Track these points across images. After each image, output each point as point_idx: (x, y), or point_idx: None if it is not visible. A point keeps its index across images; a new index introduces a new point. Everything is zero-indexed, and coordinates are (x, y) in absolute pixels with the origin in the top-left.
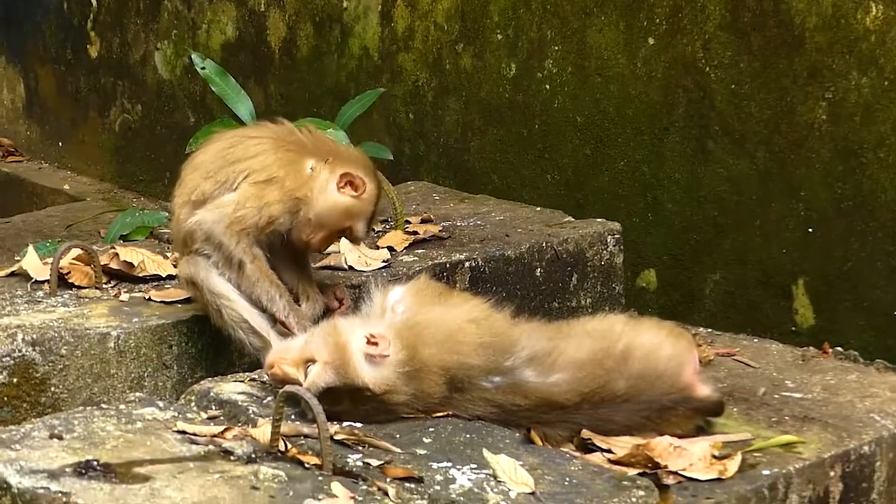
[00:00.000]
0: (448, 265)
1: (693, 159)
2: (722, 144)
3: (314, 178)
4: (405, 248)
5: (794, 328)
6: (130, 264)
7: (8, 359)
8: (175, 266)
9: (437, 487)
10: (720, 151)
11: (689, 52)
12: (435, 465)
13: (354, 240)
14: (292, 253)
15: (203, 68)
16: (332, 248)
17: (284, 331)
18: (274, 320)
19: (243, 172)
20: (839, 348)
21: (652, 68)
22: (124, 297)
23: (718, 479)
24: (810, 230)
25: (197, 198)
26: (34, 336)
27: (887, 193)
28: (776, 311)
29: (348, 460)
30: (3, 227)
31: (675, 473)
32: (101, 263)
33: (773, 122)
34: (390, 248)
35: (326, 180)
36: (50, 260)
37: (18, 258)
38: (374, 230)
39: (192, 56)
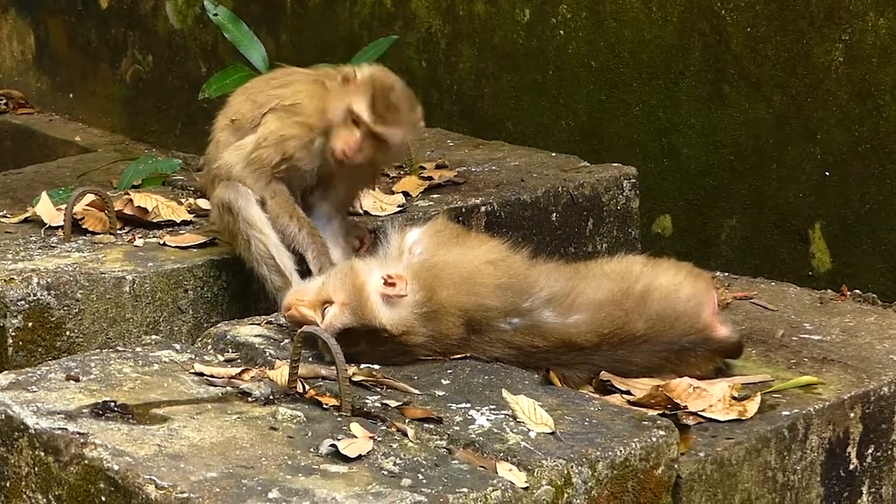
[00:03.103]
0: (464, 209)
1: (709, 103)
2: (738, 88)
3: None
4: (420, 192)
5: (810, 272)
6: (144, 210)
7: (23, 303)
8: (192, 203)
9: (457, 428)
10: (736, 95)
11: None
12: (454, 406)
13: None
14: (327, 203)
15: (216, 14)
16: None
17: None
18: (301, 261)
19: (276, 98)
20: (857, 291)
21: (667, 12)
22: (139, 242)
23: (738, 420)
24: (827, 174)
25: (235, 117)
26: (49, 280)
27: None
28: (793, 255)
29: (366, 401)
30: (14, 177)
31: (695, 414)
32: (115, 209)
33: (790, 65)
34: (405, 194)
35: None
36: (63, 206)
37: (31, 206)
38: (388, 176)
39: (205, 2)
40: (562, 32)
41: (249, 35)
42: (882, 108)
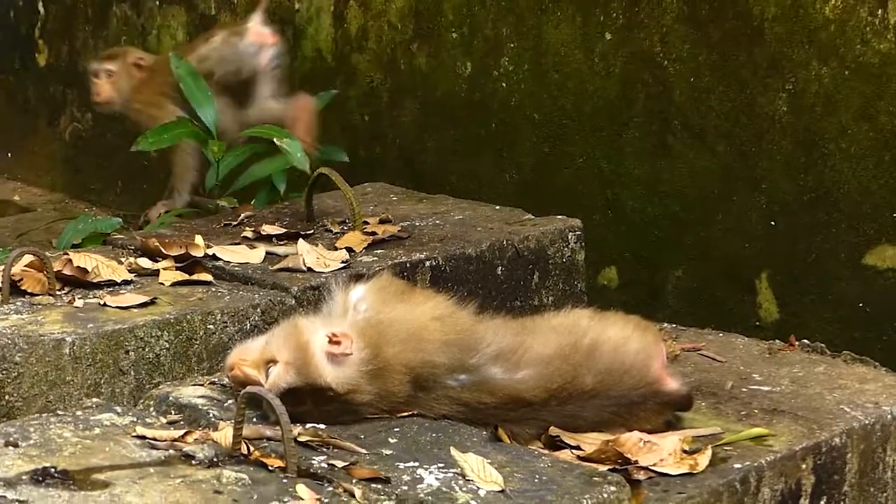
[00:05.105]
0: (408, 264)
1: (653, 154)
2: (682, 139)
3: None
4: (364, 248)
5: (758, 323)
6: (84, 270)
7: None
8: (133, 262)
9: (405, 487)
10: (680, 146)
11: (647, 46)
12: (402, 466)
13: None
14: None
15: (178, 68)
16: (289, 251)
17: None
18: None
19: None
20: (805, 341)
21: (610, 63)
22: (79, 303)
23: (689, 474)
24: (773, 223)
25: None
26: None
27: (850, 184)
28: (740, 306)
29: (313, 462)
30: None
31: (646, 469)
32: (54, 269)
33: (734, 115)
34: (349, 249)
35: None
36: (1, 268)
37: None
38: (331, 231)
39: (170, 55)
40: (504, 85)
41: (206, 91)
42: (827, 157)
